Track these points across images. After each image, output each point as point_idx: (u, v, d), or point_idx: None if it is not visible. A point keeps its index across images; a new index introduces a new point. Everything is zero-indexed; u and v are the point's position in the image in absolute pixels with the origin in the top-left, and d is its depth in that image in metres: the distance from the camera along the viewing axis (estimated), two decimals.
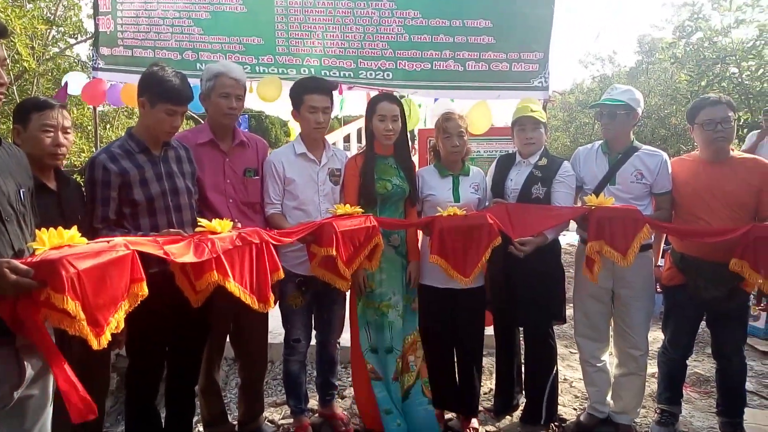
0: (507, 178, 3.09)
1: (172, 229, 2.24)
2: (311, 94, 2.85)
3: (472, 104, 3.96)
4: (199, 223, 2.25)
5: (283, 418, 3.32)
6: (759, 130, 6.30)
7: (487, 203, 3.13)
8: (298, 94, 2.89)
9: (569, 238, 8.17)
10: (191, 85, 2.50)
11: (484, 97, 4.00)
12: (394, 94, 3.39)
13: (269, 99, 3.86)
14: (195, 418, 2.96)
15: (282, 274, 2.39)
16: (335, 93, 3.09)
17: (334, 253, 2.55)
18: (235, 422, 3.15)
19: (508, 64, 3.94)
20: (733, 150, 2.92)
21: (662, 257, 3.21)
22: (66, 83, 5.01)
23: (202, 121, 3.17)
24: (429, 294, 3.04)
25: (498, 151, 4.16)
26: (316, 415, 3.27)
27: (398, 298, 2.95)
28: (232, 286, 2.15)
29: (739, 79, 7.54)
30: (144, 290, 1.81)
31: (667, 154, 3.07)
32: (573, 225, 3.19)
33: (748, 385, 3.62)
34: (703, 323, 3.07)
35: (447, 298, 3.03)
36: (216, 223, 2.23)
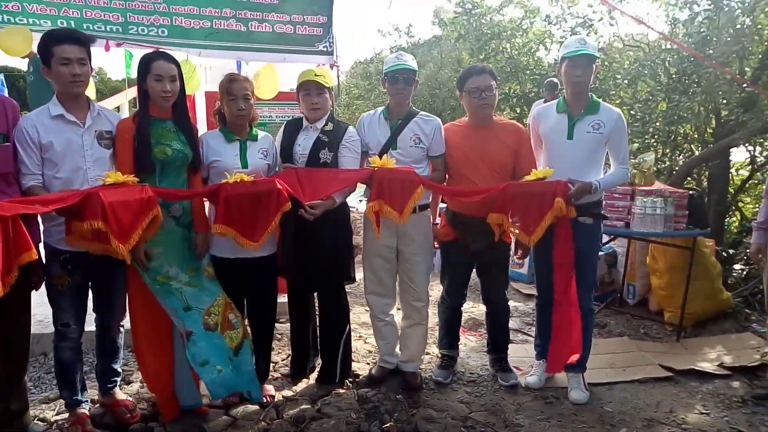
0: (295, 143, 3.08)
1: None
2: (61, 44, 2.50)
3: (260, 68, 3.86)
4: None
5: (56, 414, 2.98)
6: (542, 100, 7.08)
7: (277, 168, 3.09)
8: (46, 46, 2.52)
9: None
10: None
11: (269, 59, 3.91)
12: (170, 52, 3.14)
13: (14, 52, 3.29)
14: None
15: (35, 255, 2.14)
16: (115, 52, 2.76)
17: (103, 226, 2.32)
18: None
19: (293, 26, 3.87)
20: (496, 115, 3.25)
21: (439, 216, 3.49)
22: None
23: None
24: (220, 266, 2.94)
25: (290, 116, 4.12)
26: (97, 405, 2.99)
27: (176, 269, 2.78)
28: None
29: (510, 54, 8.48)
30: None
31: None
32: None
33: (513, 324, 4.16)
34: (474, 273, 3.41)
35: (239, 268, 2.96)
36: None
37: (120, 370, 3.06)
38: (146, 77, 2.68)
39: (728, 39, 5.42)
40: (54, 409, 3.03)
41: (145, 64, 2.70)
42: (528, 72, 8.13)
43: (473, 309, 4.61)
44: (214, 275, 2.91)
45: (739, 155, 6.74)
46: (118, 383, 3.05)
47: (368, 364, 3.64)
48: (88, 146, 2.63)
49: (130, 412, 2.91)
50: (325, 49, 3.93)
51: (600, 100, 3.14)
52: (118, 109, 5.77)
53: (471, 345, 4.01)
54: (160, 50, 2.93)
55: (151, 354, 2.84)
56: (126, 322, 2.96)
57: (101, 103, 4.87)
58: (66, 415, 2.89)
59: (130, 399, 3.03)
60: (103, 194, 2.35)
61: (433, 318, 3.59)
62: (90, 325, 2.87)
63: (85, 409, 2.87)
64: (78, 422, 2.78)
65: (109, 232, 2.35)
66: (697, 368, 3.56)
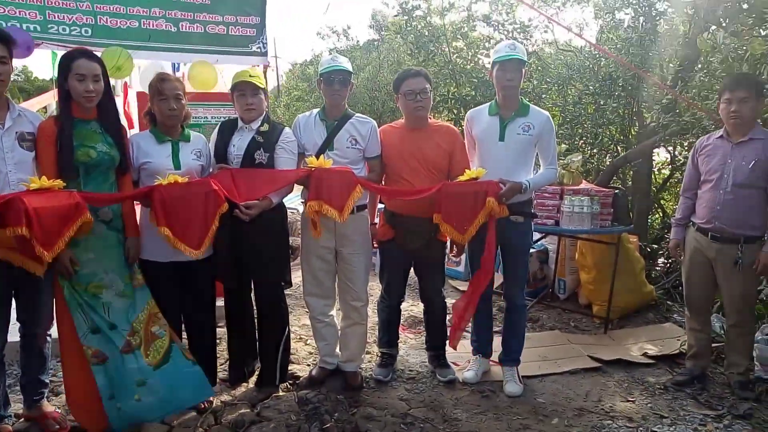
0: (230, 143, 3.04)
1: None
2: None
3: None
4: None
5: None
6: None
7: (211, 170, 3.04)
8: None
9: None
10: None
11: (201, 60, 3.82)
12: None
13: None
14: None
15: None
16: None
17: (26, 232, 2.23)
18: None
19: (225, 27, 3.81)
20: (431, 118, 3.32)
21: (378, 216, 3.52)
22: None
23: None
24: (152, 270, 2.86)
25: (226, 117, 4.06)
26: (21, 420, 2.85)
27: (113, 276, 2.70)
28: None
29: (450, 57, 8.62)
30: None
31: None
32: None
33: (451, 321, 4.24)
34: (413, 272, 3.47)
35: (172, 272, 2.89)
36: None
37: (48, 381, 2.92)
38: (68, 76, 2.59)
39: (650, 44, 5.74)
40: None
41: (67, 62, 2.61)
42: (465, 75, 8.28)
43: (412, 307, 4.68)
44: (143, 282, 2.83)
45: (660, 156, 7.16)
46: (46, 394, 2.92)
47: (309, 365, 3.63)
48: (8, 149, 2.52)
49: (60, 424, 2.79)
50: (258, 50, 3.88)
51: (530, 103, 3.27)
52: (45, 109, 5.50)
53: (410, 342, 4.07)
54: (82, 48, 2.82)
55: (78, 364, 2.71)
56: (54, 331, 2.83)
57: (27, 103, 4.63)
58: None
59: (59, 410, 2.90)
60: (27, 199, 2.27)
61: (373, 317, 3.63)
62: (14, 335, 2.74)
63: (7, 425, 2.73)
64: None
65: (33, 239, 2.26)
66: (623, 358, 3.74)
